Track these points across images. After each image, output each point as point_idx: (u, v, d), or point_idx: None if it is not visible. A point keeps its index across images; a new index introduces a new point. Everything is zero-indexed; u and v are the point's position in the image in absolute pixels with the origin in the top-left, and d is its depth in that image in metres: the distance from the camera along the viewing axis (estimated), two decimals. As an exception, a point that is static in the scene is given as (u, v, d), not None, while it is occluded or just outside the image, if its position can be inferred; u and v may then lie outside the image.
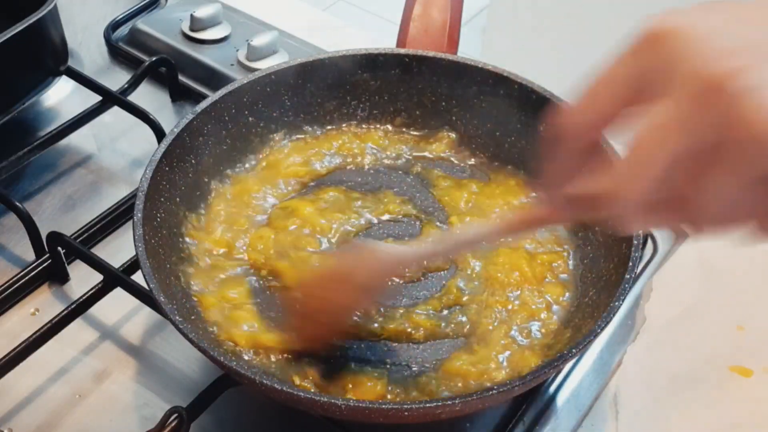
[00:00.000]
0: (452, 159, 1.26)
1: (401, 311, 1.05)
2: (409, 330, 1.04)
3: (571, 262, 1.11)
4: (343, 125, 1.28)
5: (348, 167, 1.24)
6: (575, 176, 0.69)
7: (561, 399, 1.06)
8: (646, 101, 0.61)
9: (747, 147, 0.56)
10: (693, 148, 0.59)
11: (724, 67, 0.56)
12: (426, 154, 1.26)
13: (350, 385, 0.98)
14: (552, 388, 1.07)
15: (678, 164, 0.59)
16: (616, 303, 0.94)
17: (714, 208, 0.61)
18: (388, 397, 0.98)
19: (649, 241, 1.23)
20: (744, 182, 0.58)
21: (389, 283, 1.02)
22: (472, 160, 1.25)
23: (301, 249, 1.12)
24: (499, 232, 0.86)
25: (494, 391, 0.88)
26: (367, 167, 1.24)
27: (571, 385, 1.08)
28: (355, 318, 1.02)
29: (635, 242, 1.00)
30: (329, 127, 1.28)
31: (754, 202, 0.60)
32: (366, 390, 0.98)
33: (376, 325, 1.03)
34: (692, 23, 0.59)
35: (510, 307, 1.06)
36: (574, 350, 0.91)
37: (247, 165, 1.22)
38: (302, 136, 1.26)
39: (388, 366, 1.01)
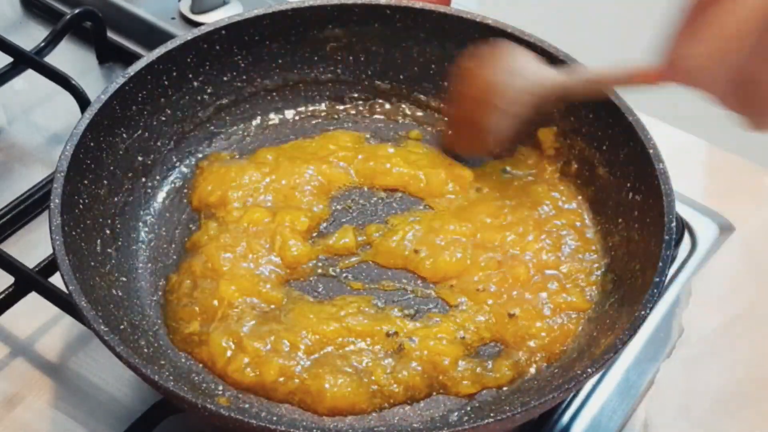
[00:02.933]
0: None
1: None
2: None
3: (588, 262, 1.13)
4: (309, 92, 1.30)
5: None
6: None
7: (578, 428, 1.08)
8: None
9: None
10: None
11: None
12: (411, 130, 1.29)
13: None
14: (567, 417, 1.08)
15: None
16: (643, 312, 0.95)
17: None
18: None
19: (687, 236, 1.24)
20: None
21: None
22: None
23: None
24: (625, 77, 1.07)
25: (491, 420, 0.89)
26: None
27: (591, 411, 1.09)
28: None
29: (666, 237, 1.00)
30: (292, 95, 1.30)
31: None
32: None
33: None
34: None
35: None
36: (590, 370, 0.92)
37: (193, 145, 1.25)
38: (258, 101, 1.29)
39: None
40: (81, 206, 1.07)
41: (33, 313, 1.13)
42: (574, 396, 1.09)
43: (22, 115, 1.37)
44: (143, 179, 1.18)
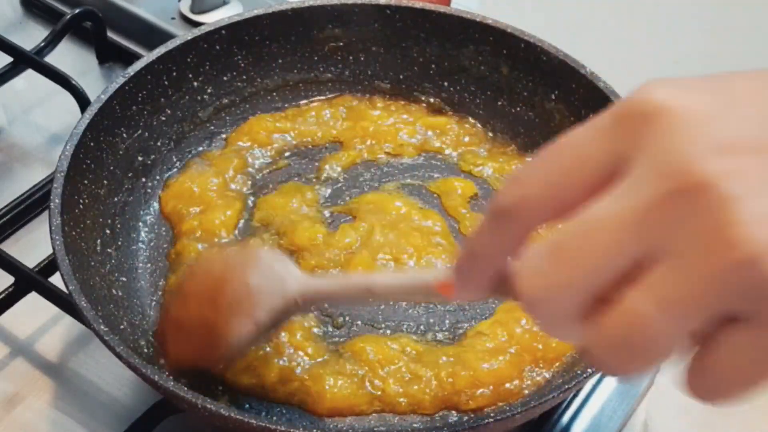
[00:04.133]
0: (442, 135, 1.28)
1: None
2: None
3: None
4: (309, 92, 1.30)
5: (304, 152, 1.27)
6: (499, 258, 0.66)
7: (578, 428, 1.07)
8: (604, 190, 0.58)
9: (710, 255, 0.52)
10: (641, 250, 0.55)
11: (716, 165, 0.53)
12: (410, 130, 1.28)
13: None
14: (567, 417, 1.08)
15: (613, 268, 0.56)
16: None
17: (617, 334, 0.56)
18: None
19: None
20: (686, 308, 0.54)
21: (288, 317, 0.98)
22: (466, 137, 1.27)
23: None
24: (412, 289, 0.83)
25: (491, 419, 0.89)
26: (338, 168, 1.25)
27: (591, 411, 1.09)
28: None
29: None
30: (292, 95, 1.30)
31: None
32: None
33: None
34: (688, 103, 0.56)
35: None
36: (590, 370, 0.92)
37: (193, 145, 1.25)
38: (258, 101, 1.29)
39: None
40: (81, 206, 1.07)
41: (33, 313, 1.13)
42: (574, 396, 1.08)
43: (22, 115, 1.37)
44: (143, 179, 1.18)
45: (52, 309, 1.10)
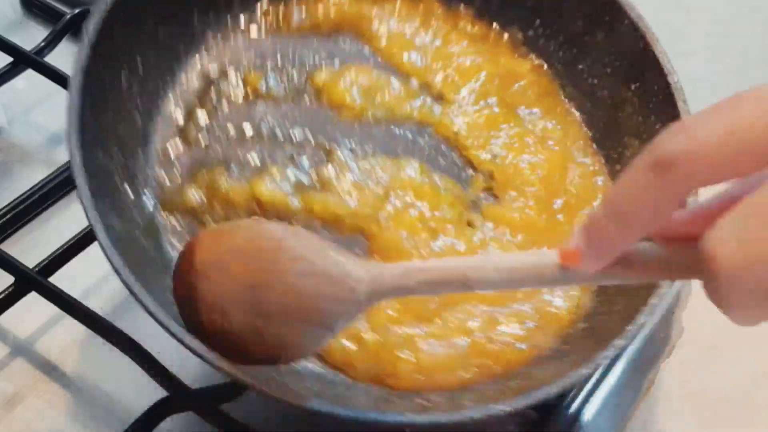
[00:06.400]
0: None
1: None
2: None
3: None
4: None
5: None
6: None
7: (578, 428, 1.08)
8: None
9: None
10: None
11: None
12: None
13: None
14: (567, 417, 1.08)
15: None
16: (643, 312, 0.95)
17: None
18: None
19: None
20: None
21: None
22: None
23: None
24: (526, 274, 0.71)
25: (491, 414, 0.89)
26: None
27: (591, 411, 1.09)
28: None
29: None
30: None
31: None
32: None
33: None
34: None
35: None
36: (586, 371, 0.92)
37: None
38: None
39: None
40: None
41: (33, 313, 1.13)
42: (574, 396, 1.09)
43: (22, 115, 1.37)
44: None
45: (52, 309, 1.10)
